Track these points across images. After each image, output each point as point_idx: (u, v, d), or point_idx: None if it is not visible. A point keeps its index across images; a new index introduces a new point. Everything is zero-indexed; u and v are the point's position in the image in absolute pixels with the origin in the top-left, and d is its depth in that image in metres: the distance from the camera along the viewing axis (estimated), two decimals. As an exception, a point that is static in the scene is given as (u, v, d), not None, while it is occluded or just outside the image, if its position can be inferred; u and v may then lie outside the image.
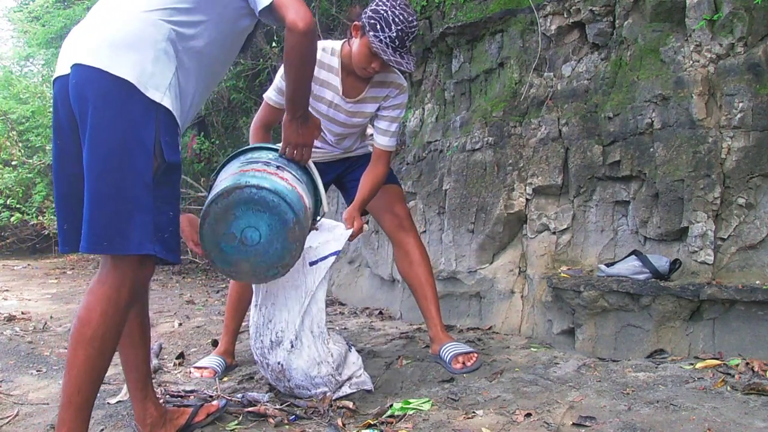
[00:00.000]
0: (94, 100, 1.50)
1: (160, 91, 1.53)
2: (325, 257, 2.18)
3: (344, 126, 2.50)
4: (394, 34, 2.19)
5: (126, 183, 1.50)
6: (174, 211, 1.59)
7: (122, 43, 1.53)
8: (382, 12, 2.22)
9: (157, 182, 1.52)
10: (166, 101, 1.53)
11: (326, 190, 2.81)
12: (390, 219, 2.61)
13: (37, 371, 2.60)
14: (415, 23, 2.23)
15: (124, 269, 1.54)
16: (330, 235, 2.24)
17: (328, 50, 2.39)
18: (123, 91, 1.49)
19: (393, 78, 2.45)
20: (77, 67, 1.54)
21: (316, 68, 2.38)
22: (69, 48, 1.62)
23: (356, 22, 2.30)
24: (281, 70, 2.41)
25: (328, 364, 2.12)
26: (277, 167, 1.88)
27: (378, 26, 2.21)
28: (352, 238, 2.33)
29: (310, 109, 2.51)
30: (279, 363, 2.12)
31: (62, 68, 1.60)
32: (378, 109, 2.47)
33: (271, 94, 2.42)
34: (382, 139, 2.47)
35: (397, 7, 2.22)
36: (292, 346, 2.10)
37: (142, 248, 1.52)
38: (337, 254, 2.21)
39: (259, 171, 1.85)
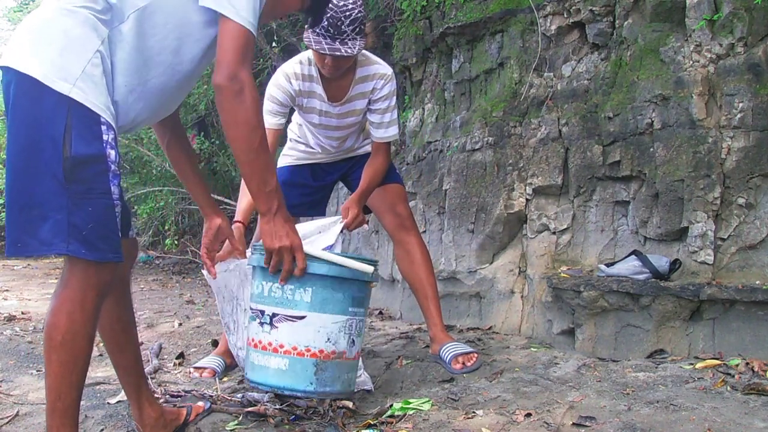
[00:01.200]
0: (12, 101, 1.47)
1: (68, 82, 1.44)
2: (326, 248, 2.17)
3: (339, 129, 2.50)
4: (326, 23, 2.15)
5: (36, 182, 1.44)
6: (94, 206, 1.46)
7: (32, 37, 1.48)
8: None
9: (68, 178, 1.43)
10: (76, 93, 1.44)
11: (332, 188, 2.81)
12: (392, 219, 2.60)
13: (37, 371, 2.60)
14: (350, 6, 2.16)
15: (85, 270, 1.49)
16: (324, 230, 2.22)
17: (305, 61, 2.38)
18: (31, 88, 1.44)
19: (375, 69, 2.42)
20: (2, 70, 1.51)
21: (299, 81, 2.36)
22: None
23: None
24: (269, 89, 2.40)
25: None
26: (272, 321, 1.73)
27: None
28: (349, 228, 2.31)
29: (303, 123, 2.52)
30: None
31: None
32: (368, 104, 2.45)
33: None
34: (377, 132, 2.46)
35: None
36: None
37: (54, 248, 1.45)
38: (329, 249, 2.16)
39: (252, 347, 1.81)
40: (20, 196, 1.46)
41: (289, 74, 2.37)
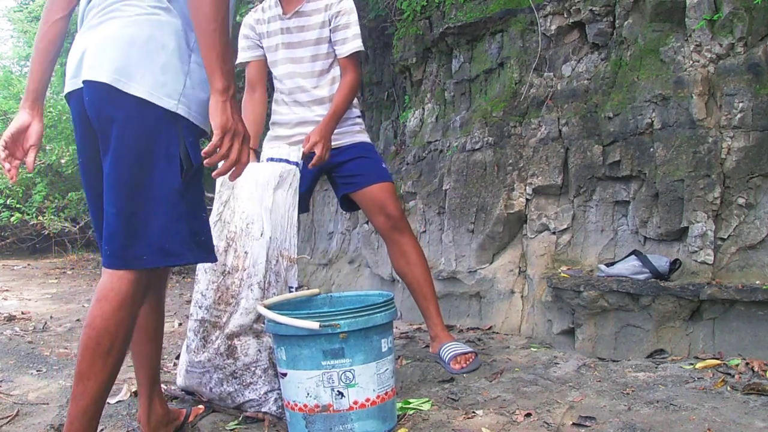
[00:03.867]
0: (113, 118, 1.44)
1: (173, 98, 1.46)
2: (282, 160, 2.20)
3: (301, 46, 2.50)
4: None
5: (158, 195, 1.45)
6: (204, 211, 1.55)
7: (129, 51, 1.45)
8: None
9: (187, 187, 1.48)
10: (182, 108, 1.47)
11: (316, 180, 2.70)
12: (383, 220, 2.54)
13: (37, 371, 2.60)
14: None
15: (139, 276, 1.49)
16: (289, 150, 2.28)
17: (265, 2, 2.57)
18: (138, 106, 1.44)
19: None
20: (88, 84, 1.47)
21: (260, 13, 2.55)
22: (76, 60, 1.53)
23: None
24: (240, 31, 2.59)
25: None
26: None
27: None
28: (310, 162, 2.30)
29: (274, 68, 2.56)
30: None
31: (73, 83, 1.53)
32: (329, 23, 2.49)
33: (240, 55, 2.60)
34: (341, 48, 2.48)
35: None
36: (261, 235, 2.08)
37: (183, 258, 1.49)
38: (293, 164, 2.20)
39: None
40: (140, 211, 1.45)
41: (255, 8, 2.59)
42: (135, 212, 1.45)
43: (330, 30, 2.48)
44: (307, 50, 2.51)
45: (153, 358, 1.78)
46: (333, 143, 2.53)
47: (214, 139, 1.45)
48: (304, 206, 2.53)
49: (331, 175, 2.63)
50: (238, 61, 2.59)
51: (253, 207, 2.11)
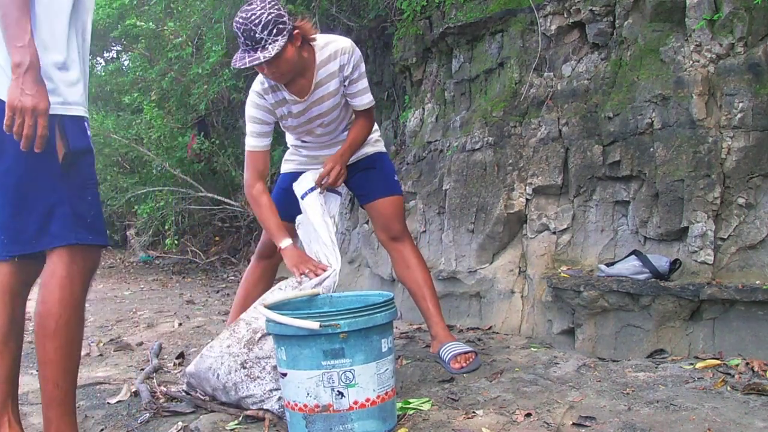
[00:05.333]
0: None
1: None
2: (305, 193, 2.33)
3: (322, 116, 2.43)
4: (242, 38, 2.14)
5: (39, 183, 1.53)
6: (93, 195, 1.61)
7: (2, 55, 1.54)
8: None
9: (67, 171, 1.55)
10: (56, 109, 1.53)
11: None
12: (384, 235, 2.63)
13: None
14: (257, 12, 2.11)
15: (73, 257, 1.56)
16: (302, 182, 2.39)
17: (264, 84, 2.36)
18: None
19: (334, 47, 2.34)
20: None
21: (270, 95, 2.35)
22: None
23: None
24: (248, 111, 2.39)
25: None
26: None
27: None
28: (330, 182, 2.36)
29: (291, 134, 2.53)
30: None
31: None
32: (344, 81, 2.38)
33: (251, 141, 2.41)
34: (357, 100, 2.42)
35: (243, 10, 2.16)
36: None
37: (66, 239, 1.55)
38: (310, 191, 2.34)
39: None
40: (24, 199, 1.54)
41: (260, 91, 2.37)
42: (22, 202, 1.54)
43: (343, 83, 2.38)
44: (332, 114, 2.44)
45: (7, 370, 1.66)
46: (354, 158, 2.56)
47: (5, 118, 1.47)
48: None
49: (348, 185, 2.67)
50: (248, 148, 2.41)
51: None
